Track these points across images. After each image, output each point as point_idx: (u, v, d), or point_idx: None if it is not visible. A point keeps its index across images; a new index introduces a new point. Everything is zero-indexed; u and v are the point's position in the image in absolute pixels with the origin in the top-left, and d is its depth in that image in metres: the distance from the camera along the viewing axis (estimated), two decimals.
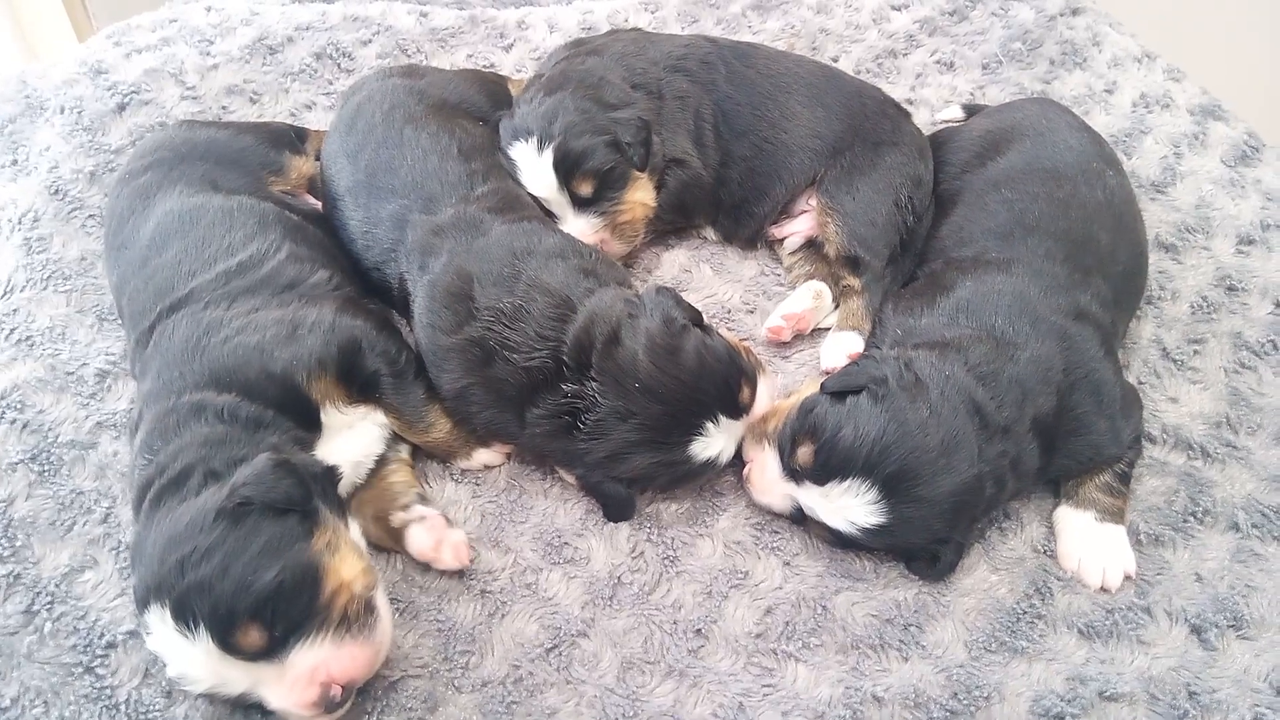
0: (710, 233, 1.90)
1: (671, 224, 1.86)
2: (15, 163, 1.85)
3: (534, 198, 1.67)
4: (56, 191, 1.78)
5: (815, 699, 1.25)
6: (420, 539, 1.34)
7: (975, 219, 1.65)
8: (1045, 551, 1.43)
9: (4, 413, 1.46)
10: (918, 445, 1.27)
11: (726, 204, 1.84)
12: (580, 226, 1.68)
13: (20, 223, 1.73)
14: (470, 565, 1.36)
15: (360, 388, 1.40)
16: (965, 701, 1.24)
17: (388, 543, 1.38)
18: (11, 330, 1.58)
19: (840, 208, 1.73)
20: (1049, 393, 1.38)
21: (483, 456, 1.49)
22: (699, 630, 1.32)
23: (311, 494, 1.20)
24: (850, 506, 1.29)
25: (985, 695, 1.24)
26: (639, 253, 1.84)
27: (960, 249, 1.63)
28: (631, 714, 1.24)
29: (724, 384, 1.36)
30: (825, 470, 1.30)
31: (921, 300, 1.54)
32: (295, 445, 1.29)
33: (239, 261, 1.43)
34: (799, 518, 1.40)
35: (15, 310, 1.61)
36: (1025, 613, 1.35)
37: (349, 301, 1.46)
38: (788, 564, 1.40)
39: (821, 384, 1.41)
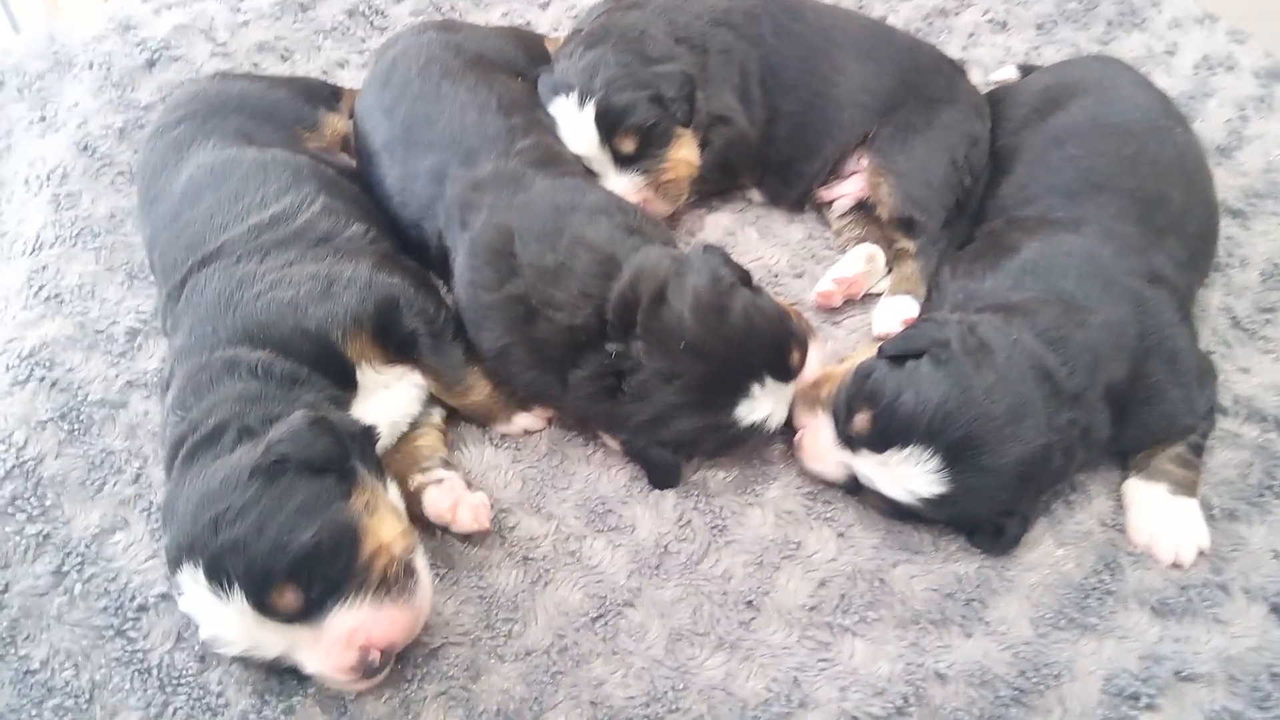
0: (756, 194, 1.82)
1: (716, 184, 1.78)
2: (44, 119, 1.82)
3: (575, 156, 1.61)
4: (86, 148, 1.73)
5: (874, 674, 1.19)
6: (436, 500, 1.28)
7: (1038, 176, 1.57)
8: (1114, 525, 1.36)
9: (33, 370, 1.42)
10: (983, 412, 1.20)
11: (773, 163, 1.76)
12: (623, 185, 1.61)
13: (49, 179, 1.68)
14: (489, 529, 1.29)
15: (397, 347, 1.35)
16: (1034, 680, 1.17)
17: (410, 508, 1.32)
18: (40, 287, 1.54)
19: (894, 167, 1.65)
20: (1122, 360, 1.30)
21: (523, 421, 1.44)
22: (750, 602, 1.27)
23: (349, 453, 1.15)
24: (911, 476, 1.22)
25: (1055, 673, 1.18)
26: (681, 215, 1.77)
27: (1023, 208, 1.55)
28: (681, 686, 1.19)
29: (773, 345, 1.30)
30: (884, 437, 1.24)
31: (984, 262, 1.46)
32: (331, 404, 1.25)
33: (272, 214, 1.37)
34: (853, 487, 1.34)
35: (44, 267, 1.56)
36: (1094, 589, 1.28)
37: (386, 257, 1.41)
38: (841, 535, 1.34)
39: (880, 347, 1.33)
